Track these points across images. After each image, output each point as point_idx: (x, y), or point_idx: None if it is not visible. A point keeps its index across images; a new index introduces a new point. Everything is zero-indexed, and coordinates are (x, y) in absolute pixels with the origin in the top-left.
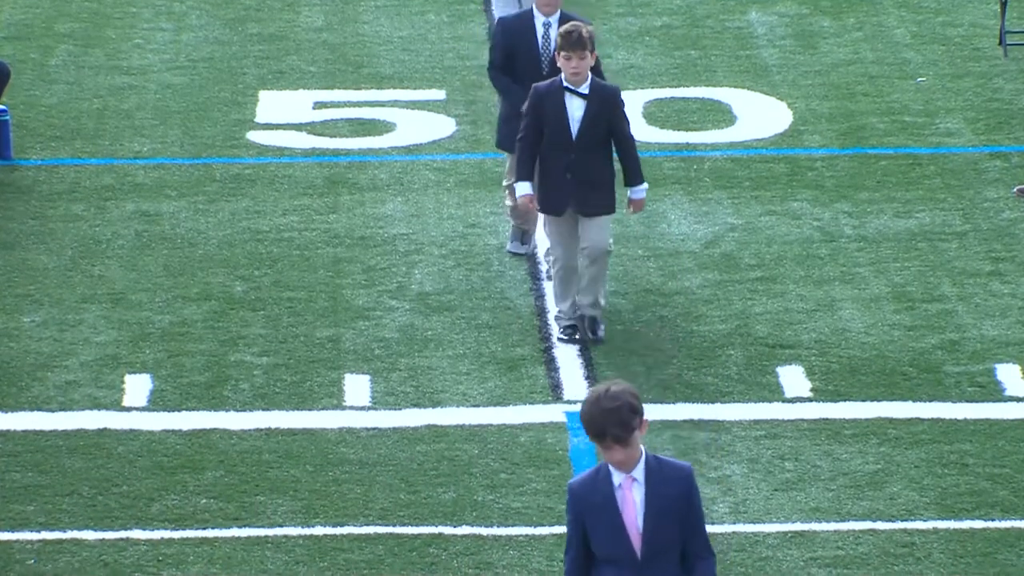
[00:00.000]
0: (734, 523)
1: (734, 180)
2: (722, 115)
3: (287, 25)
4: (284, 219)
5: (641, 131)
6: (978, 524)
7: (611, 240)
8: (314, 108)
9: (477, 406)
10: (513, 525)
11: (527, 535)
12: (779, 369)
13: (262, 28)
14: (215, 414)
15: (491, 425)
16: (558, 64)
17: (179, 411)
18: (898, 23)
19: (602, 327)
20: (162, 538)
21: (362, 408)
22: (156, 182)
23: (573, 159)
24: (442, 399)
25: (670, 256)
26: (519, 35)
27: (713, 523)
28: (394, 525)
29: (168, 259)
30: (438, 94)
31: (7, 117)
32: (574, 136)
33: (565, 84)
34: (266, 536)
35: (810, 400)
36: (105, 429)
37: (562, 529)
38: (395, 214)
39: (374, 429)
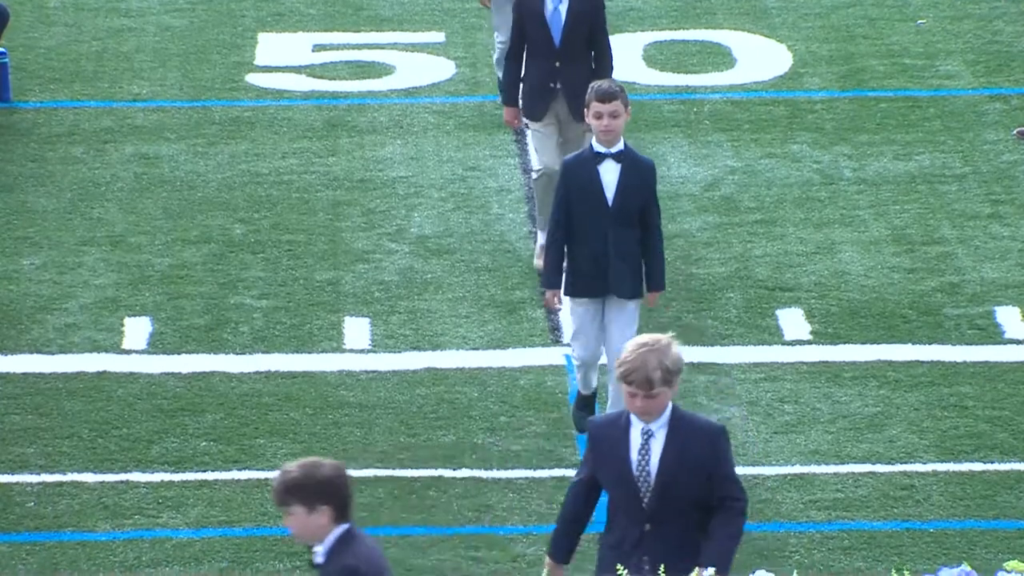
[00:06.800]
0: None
1: (734, 123)
2: (722, 57)
3: None
4: (283, 162)
5: (641, 74)
6: (977, 467)
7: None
8: (313, 50)
9: (476, 349)
10: (512, 468)
11: (527, 478)
12: (779, 312)
13: None
14: (215, 357)
15: (490, 368)
16: None
17: (179, 354)
18: None
19: None
20: (162, 481)
21: (362, 351)
22: (155, 125)
23: None
24: (441, 342)
25: (670, 199)
26: (609, 447)
27: None
28: (394, 468)
29: (167, 202)
30: (438, 36)
31: (6, 59)
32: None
33: None
34: (266, 479)
35: (810, 343)
36: (105, 372)
37: (561, 471)
38: (394, 157)
39: (374, 372)
